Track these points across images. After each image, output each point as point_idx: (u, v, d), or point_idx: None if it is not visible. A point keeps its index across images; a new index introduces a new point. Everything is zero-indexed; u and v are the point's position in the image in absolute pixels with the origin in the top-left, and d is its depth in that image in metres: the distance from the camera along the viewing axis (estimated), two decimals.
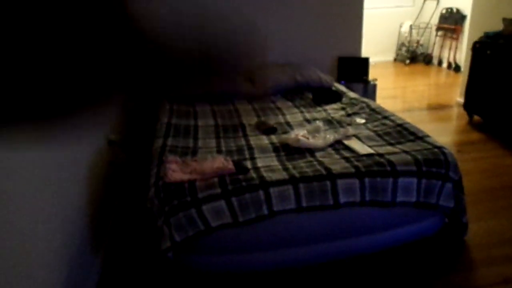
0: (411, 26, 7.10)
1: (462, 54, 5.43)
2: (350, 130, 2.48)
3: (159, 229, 1.81)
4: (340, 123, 2.69)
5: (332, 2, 3.99)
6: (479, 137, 3.83)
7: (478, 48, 3.92)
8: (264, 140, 2.46)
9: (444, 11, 6.73)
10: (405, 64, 7.15)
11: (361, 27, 4.19)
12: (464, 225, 2.21)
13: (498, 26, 3.86)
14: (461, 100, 4.64)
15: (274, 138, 2.48)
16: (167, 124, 2.72)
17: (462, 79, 4.95)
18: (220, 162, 2.03)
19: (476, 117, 4.24)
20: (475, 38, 4.11)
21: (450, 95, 5.24)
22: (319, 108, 3.08)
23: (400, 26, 7.41)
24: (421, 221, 2.17)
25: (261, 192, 1.82)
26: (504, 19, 3.75)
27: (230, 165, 2.00)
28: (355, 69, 4.12)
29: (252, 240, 1.89)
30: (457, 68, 6.31)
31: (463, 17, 6.24)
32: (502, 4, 4.02)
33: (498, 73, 3.74)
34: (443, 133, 4.05)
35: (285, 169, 2.00)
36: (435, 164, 2.07)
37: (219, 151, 2.28)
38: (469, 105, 4.20)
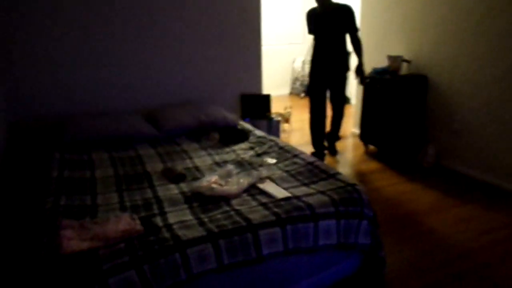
0: (303, 62, 7.49)
1: (352, 87, 5.81)
2: (263, 172, 2.39)
3: None
4: (251, 165, 2.59)
5: (231, 40, 3.99)
6: (376, 166, 4.05)
7: (369, 83, 4.21)
8: (174, 189, 2.25)
9: None
10: (300, 98, 7.48)
11: (260, 64, 4.25)
12: (381, 259, 2.21)
13: (385, 62, 4.19)
14: (356, 130, 4.92)
15: (184, 186, 2.28)
16: (58, 178, 2.36)
17: (353, 110, 5.29)
18: (126, 223, 1.77)
19: (371, 147, 4.51)
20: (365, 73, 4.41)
21: (344, 126, 5.53)
22: (227, 149, 2.97)
23: (293, 62, 7.78)
24: (341, 262, 2.14)
25: (177, 255, 1.61)
26: (389, 56, 4.09)
27: (138, 225, 1.76)
28: (258, 106, 4.13)
29: None
30: (347, 101, 6.75)
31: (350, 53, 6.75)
32: (386, 42, 4.39)
33: (386, 105, 4.03)
34: (344, 164, 4.21)
35: (201, 223, 1.81)
36: (351, 203, 2.06)
37: (123, 208, 2.02)
38: (364, 136, 4.46)
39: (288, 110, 5.25)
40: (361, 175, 3.86)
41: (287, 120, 5.28)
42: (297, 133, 5.26)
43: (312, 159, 2.59)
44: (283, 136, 5.10)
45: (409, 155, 4.08)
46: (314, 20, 3.96)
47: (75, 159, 2.73)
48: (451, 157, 3.86)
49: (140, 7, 3.53)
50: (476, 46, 3.46)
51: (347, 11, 3.80)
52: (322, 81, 4.03)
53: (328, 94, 4.08)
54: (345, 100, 4.24)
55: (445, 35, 3.72)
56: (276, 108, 5.74)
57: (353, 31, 3.86)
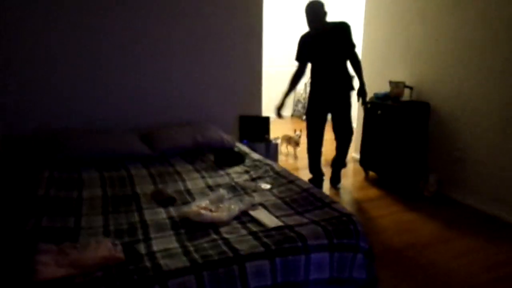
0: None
1: (353, 111, 5.72)
2: (256, 199, 2.30)
3: None
4: (244, 190, 2.50)
5: (232, 61, 3.95)
6: (376, 193, 3.94)
7: (370, 108, 4.14)
8: (162, 214, 2.16)
9: None
10: (302, 120, 7.42)
11: (261, 85, 4.20)
12: None
13: (386, 87, 4.13)
14: (356, 155, 4.83)
15: (172, 211, 2.19)
16: (43, 197, 2.28)
17: (354, 135, 5.19)
18: (106, 249, 1.68)
19: (372, 173, 4.41)
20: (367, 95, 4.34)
21: None
22: (221, 172, 2.88)
23: None
24: None
25: (157, 287, 1.51)
26: (391, 82, 4.03)
27: (119, 253, 1.66)
28: (256, 128, 4.06)
29: None
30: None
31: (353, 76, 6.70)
32: (388, 67, 4.35)
33: (387, 131, 3.96)
34: (343, 190, 4.11)
35: (186, 252, 1.72)
36: (345, 235, 1.96)
37: (106, 232, 1.92)
38: (364, 162, 4.37)
39: (298, 133, 5.12)
40: (359, 203, 3.75)
41: (297, 144, 5.11)
42: (299, 155, 5.17)
43: (308, 185, 2.50)
44: (291, 161, 5.00)
45: (410, 183, 3.98)
46: (310, 44, 3.73)
47: (64, 177, 2.65)
48: (453, 186, 3.75)
49: (140, 25, 3.51)
50: (480, 73, 3.40)
51: (343, 28, 3.59)
52: (322, 104, 3.84)
53: (330, 120, 3.93)
54: (352, 129, 3.91)
55: (449, 62, 3.66)
56: (283, 130, 5.68)
57: (350, 47, 3.65)
